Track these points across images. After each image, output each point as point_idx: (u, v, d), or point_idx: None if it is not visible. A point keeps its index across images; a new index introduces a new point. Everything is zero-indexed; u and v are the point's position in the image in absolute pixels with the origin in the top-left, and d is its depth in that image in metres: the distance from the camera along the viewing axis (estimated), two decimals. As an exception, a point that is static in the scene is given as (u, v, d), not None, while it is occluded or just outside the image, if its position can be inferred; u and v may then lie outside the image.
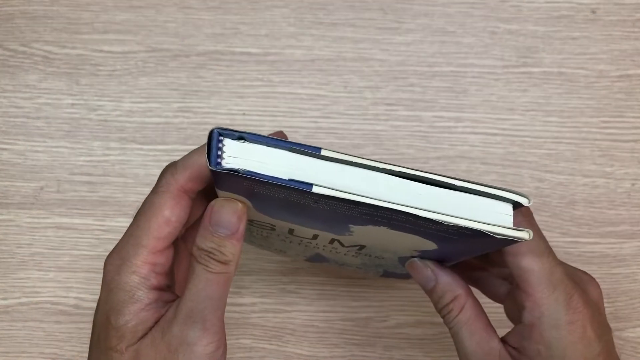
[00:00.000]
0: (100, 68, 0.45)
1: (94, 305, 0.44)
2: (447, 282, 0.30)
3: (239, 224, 0.27)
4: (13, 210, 0.45)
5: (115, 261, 0.29)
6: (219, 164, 0.23)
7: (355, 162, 0.24)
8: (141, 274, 0.28)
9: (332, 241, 0.31)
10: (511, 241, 0.24)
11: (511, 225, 0.24)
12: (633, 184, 0.43)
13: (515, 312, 0.31)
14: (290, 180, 0.23)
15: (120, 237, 0.46)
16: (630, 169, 0.43)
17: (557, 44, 0.44)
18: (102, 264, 0.45)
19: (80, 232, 0.44)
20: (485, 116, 0.44)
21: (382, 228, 0.26)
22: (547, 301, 0.28)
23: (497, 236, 0.23)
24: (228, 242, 0.27)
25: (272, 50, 0.45)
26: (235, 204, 0.27)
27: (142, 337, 0.27)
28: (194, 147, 0.46)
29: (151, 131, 0.45)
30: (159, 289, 0.28)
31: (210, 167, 0.23)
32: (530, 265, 0.28)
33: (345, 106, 0.44)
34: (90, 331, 0.45)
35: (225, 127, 0.23)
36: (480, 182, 0.24)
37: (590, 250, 0.43)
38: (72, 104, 0.45)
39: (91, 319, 0.44)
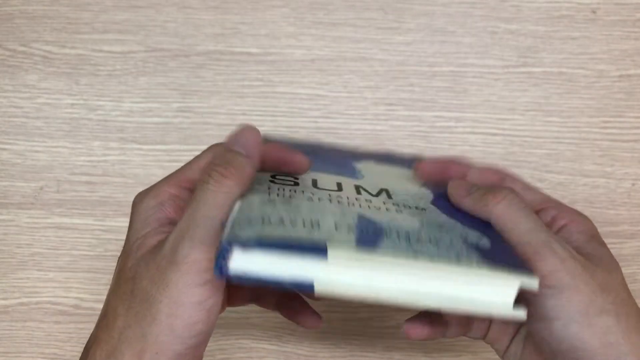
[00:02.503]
0: (100, 68, 0.45)
1: (94, 305, 0.44)
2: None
3: (255, 147, 0.27)
4: (13, 210, 0.45)
5: (141, 194, 0.29)
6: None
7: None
8: (159, 199, 0.28)
9: (357, 190, 0.29)
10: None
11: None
12: (633, 184, 0.43)
13: None
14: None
15: (120, 238, 0.45)
16: (631, 169, 0.43)
17: (558, 44, 0.44)
18: (102, 264, 0.45)
19: (80, 232, 0.44)
20: (486, 116, 0.44)
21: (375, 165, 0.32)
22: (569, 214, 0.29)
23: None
24: (241, 157, 0.26)
25: (272, 50, 0.45)
26: (257, 131, 0.27)
27: (141, 256, 0.26)
28: (194, 147, 0.46)
29: (151, 131, 0.45)
30: (171, 222, 0.27)
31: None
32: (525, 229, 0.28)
33: (345, 106, 0.44)
34: (88, 331, 0.45)
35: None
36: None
37: (591, 251, 0.43)
38: (72, 104, 0.45)
39: (91, 319, 0.44)
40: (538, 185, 0.43)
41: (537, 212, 0.30)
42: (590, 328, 0.26)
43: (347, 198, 0.28)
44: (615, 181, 0.43)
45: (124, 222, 0.44)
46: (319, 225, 0.25)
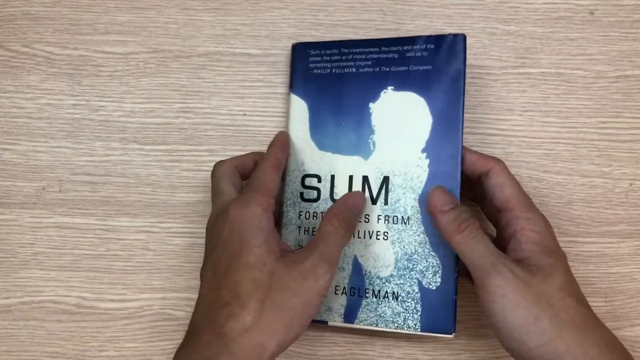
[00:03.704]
0: (102, 69, 0.46)
1: (96, 304, 0.44)
2: (466, 208, 0.37)
3: (360, 211, 0.39)
4: (15, 210, 0.45)
5: (239, 203, 0.35)
6: None
7: None
8: (263, 206, 0.35)
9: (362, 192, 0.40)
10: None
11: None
12: (631, 184, 0.44)
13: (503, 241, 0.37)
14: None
15: (122, 237, 0.46)
16: (628, 169, 0.44)
17: (555, 45, 0.44)
18: (104, 263, 0.45)
19: (82, 231, 0.44)
20: (484, 117, 0.44)
21: (390, 93, 0.40)
22: (528, 210, 0.36)
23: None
24: (355, 221, 0.38)
25: (273, 51, 0.45)
26: (363, 199, 0.39)
27: (276, 260, 0.34)
28: (195, 148, 0.46)
29: (152, 131, 0.45)
30: (274, 228, 0.35)
31: None
32: (511, 192, 0.36)
33: (345, 107, 0.44)
34: (90, 330, 0.45)
35: None
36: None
37: (588, 250, 0.43)
38: (74, 105, 0.46)
39: (92, 317, 0.44)
40: (536, 185, 0.43)
41: (499, 212, 0.37)
42: (528, 335, 0.32)
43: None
44: (613, 181, 0.44)
45: (126, 221, 0.44)
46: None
